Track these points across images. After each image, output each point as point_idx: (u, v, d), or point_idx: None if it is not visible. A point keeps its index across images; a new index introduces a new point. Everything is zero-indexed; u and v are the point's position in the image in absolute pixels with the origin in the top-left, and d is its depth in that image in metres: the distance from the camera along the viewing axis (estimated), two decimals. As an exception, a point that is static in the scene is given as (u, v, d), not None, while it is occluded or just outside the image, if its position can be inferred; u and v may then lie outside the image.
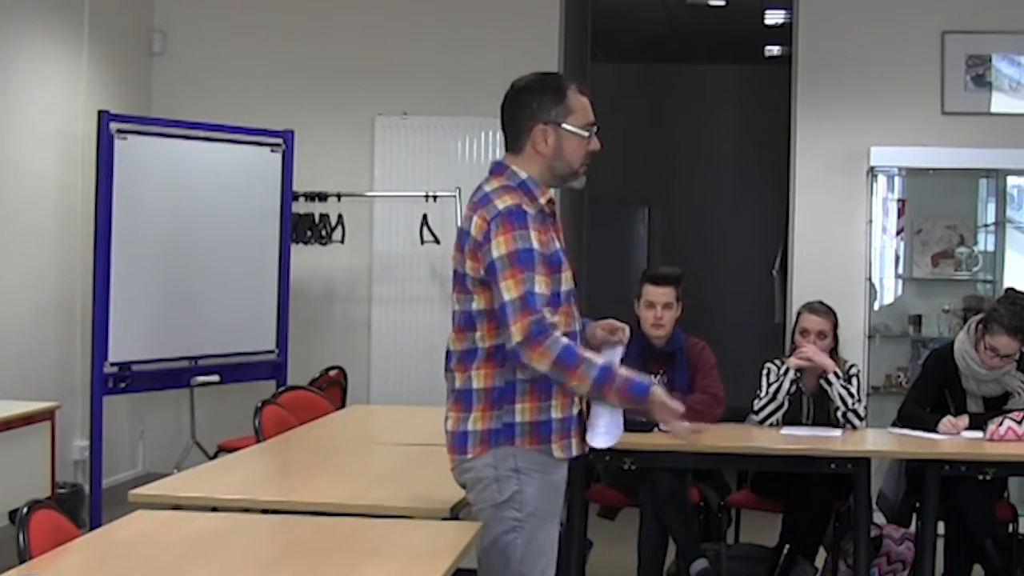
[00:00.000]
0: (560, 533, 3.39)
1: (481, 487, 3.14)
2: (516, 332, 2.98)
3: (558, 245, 3.15)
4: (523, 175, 3.18)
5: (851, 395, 4.99)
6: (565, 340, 3.00)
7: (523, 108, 3.18)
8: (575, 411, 3.19)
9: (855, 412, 4.99)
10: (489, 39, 7.60)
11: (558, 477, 3.18)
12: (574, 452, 3.21)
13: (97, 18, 7.14)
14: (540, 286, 3.02)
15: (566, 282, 3.15)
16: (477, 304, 3.11)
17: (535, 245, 3.04)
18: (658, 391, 3.08)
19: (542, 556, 3.14)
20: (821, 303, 5.21)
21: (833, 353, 5.14)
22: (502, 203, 3.09)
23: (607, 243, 10.48)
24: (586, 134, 3.17)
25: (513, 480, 3.10)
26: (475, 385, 3.14)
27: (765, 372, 5.15)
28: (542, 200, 3.16)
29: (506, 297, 3.00)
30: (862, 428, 5.03)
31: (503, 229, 3.04)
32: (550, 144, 3.16)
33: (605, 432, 3.19)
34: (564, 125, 3.15)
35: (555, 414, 3.13)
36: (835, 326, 5.16)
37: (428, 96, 7.65)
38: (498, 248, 3.03)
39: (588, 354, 3.04)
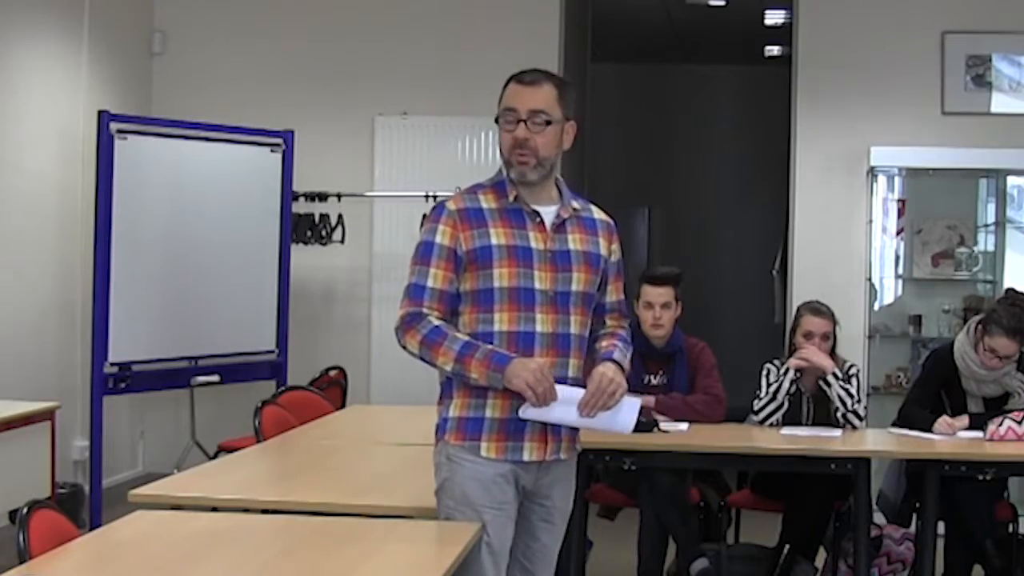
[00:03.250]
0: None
1: (434, 473, 3.25)
2: (398, 318, 3.14)
3: (502, 241, 3.13)
4: (504, 174, 3.25)
5: (850, 395, 4.99)
6: (436, 323, 3.09)
7: None
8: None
9: (855, 412, 4.99)
10: (489, 39, 7.60)
11: (489, 473, 3.14)
12: (526, 456, 3.17)
13: (97, 18, 7.14)
14: (433, 280, 3.12)
15: (503, 278, 3.12)
16: None
17: (438, 239, 3.14)
18: (518, 361, 3.04)
19: (482, 547, 3.11)
20: (820, 303, 5.21)
21: (832, 353, 5.14)
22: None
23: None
24: (495, 120, 3.20)
25: (444, 468, 3.19)
26: (438, 379, 3.26)
27: (765, 372, 5.15)
28: (509, 197, 3.20)
29: (406, 284, 3.17)
30: (862, 428, 5.03)
31: (424, 222, 3.26)
32: (499, 137, 3.25)
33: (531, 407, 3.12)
34: (497, 116, 3.23)
35: (491, 412, 3.14)
36: (834, 326, 5.16)
37: (428, 96, 7.65)
38: (418, 239, 3.21)
39: (458, 334, 3.10)
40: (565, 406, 3.11)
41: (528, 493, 3.23)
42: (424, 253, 3.15)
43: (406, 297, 3.15)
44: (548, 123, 3.16)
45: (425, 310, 3.11)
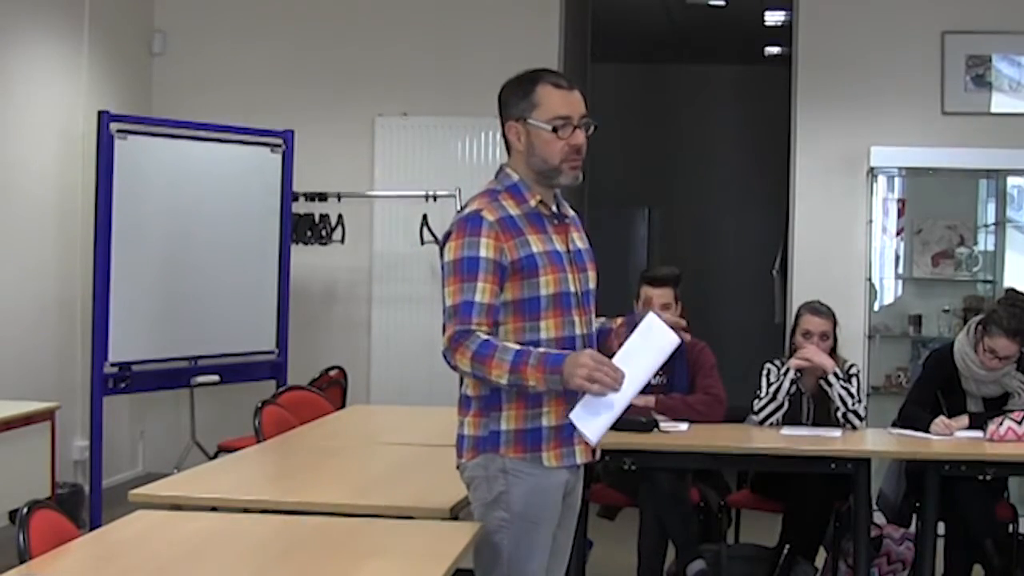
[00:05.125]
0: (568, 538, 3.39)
1: (474, 486, 3.17)
2: (445, 339, 3.04)
3: (540, 248, 3.10)
4: (515, 177, 3.18)
5: (851, 395, 4.99)
6: (485, 337, 3.00)
7: (502, 108, 3.20)
8: None
9: (855, 412, 4.99)
10: (489, 39, 7.60)
11: (551, 483, 3.13)
12: (577, 460, 3.17)
13: (97, 18, 7.14)
14: (481, 295, 3.02)
15: (549, 286, 3.10)
16: None
17: (483, 253, 3.03)
18: (571, 357, 2.95)
19: (531, 559, 3.11)
20: (821, 303, 5.21)
21: (832, 352, 5.14)
22: (467, 208, 3.13)
23: (607, 243, 10.46)
24: (548, 127, 3.10)
25: (500, 480, 3.10)
26: (469, 391, 3.17)
27: (765, 372, 5.15)
28: (532, 202, 3.15)
29: (446, 303, 3.06)
30: (862, 428, 5.03)
31: (456, 235, 3.08)
32: (522, 141, 3.16)
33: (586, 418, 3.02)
34: (530, 120, 3.12)
35: (547, 421, 3.09)
36: (835, 326, 5.16)
37: (428, 96, 7.65)
38: (449, 253, 3.09)
39: (507, 344, 3.00)
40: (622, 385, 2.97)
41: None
42: (470, 268, 3.03)
43: (454, 316, 3.03)
44: (594, 128, 3.17)
45: (473, 327, 3.01)
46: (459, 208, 3.22)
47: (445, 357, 3.05)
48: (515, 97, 3.16)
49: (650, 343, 3.05)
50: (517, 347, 3.00)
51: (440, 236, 7.73)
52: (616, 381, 2.91)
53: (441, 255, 3.14)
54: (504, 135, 3.21)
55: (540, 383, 2.98)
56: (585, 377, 2.91)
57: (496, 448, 3.10)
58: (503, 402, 3.10)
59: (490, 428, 3.11)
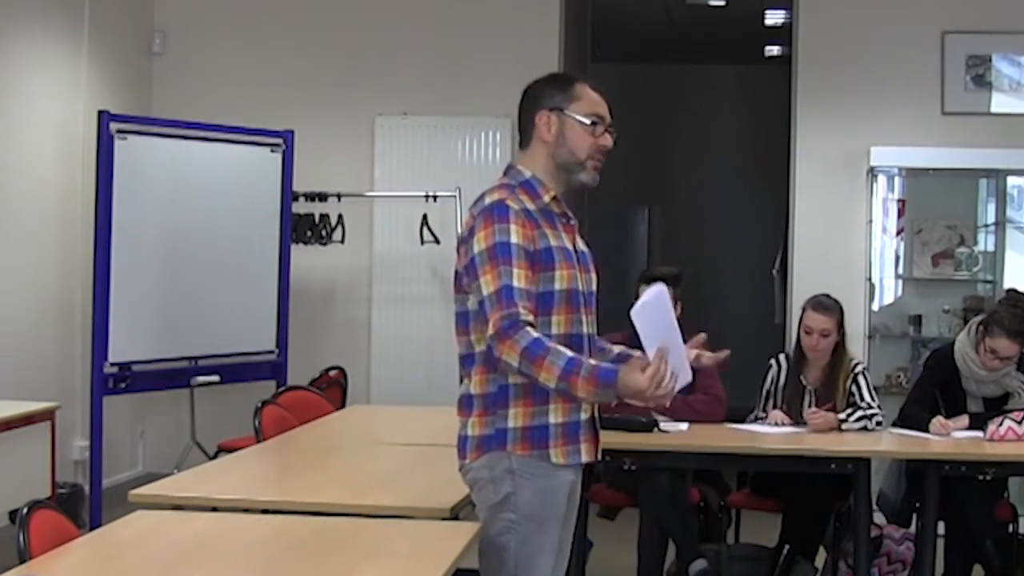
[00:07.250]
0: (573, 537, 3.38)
1: (479, 488, 3.13)
2: (491, 325, 2.97)
3: (555, 243, 3.09)
4: (527, 174, 3.16)
5: (867, 415, 4.95)
6: (535, 333, 2.94)
7: (531, 101, 3.18)
8: (583, 416, 3.12)
9: (876, 420, 4.97)
10: (489, 39, 7.61)
11: (558, 482, 3.10)
12: (583, 458, 3.13)
13: (97, 18, 7.14)
14: (518, 280, 2.99)
15: (562, 281, 3.08)
16: (470, 303, 3.09)
17: (513, 239, 3.01)
18: (624, 375, 2.88)
19: (539, 559, 3.08)
20: (827, 296, 5.17)
21: (840, 347, 5.12)
22: (489, 199, 3.09)
23: (607, 243, 10.49)
24: (588, 122, 3.11)
25: (507, 481, 3.06)
26: (473, 390, 3.12)
27: (767, 374, 5.17)
28: (546, 198, 3.13)
29: (485, 292, 3.00)
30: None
31: (485, 224, 3.04)
32: (553, 131, 3.14)
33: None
34: (567, 111, 3.12)
35: (554, 419, 3.06)
36: (840, 322, 5.13)
37: (428, 96, 7.65)
38: (479, 243, 3.03)
39: (559, 348, 2.94)
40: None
41: None
42: (503, 253, 2.99)
43: (496, 303, 2.94)
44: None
45: (521, 311, 2.95)
46: (473, 203, 3.14)
47: (491, 347, 2.97)
48: (552, 88, 3.16)
49: (655, 317, 2.96)
50: (569, 354, 2.93)
51: (439, 236, 7.67)
52: (669, 380, 2.89)
53: (461, 250, 3.08)
54: (524, 127, 3.19)
55: (590, 396, 2.94)
56: (649, 398, 2.88)
57: (503, 446, 3.06)
58: (510, 399, 3.06)
59: (496, 426, 3.07)
